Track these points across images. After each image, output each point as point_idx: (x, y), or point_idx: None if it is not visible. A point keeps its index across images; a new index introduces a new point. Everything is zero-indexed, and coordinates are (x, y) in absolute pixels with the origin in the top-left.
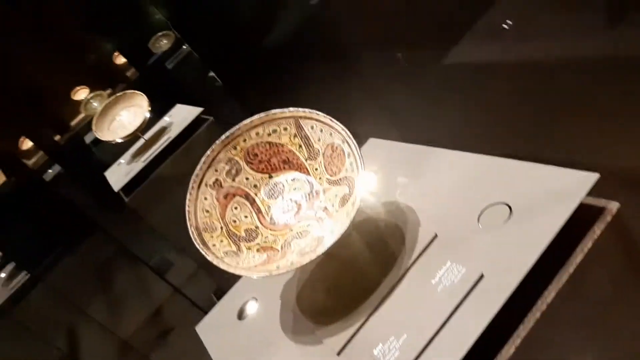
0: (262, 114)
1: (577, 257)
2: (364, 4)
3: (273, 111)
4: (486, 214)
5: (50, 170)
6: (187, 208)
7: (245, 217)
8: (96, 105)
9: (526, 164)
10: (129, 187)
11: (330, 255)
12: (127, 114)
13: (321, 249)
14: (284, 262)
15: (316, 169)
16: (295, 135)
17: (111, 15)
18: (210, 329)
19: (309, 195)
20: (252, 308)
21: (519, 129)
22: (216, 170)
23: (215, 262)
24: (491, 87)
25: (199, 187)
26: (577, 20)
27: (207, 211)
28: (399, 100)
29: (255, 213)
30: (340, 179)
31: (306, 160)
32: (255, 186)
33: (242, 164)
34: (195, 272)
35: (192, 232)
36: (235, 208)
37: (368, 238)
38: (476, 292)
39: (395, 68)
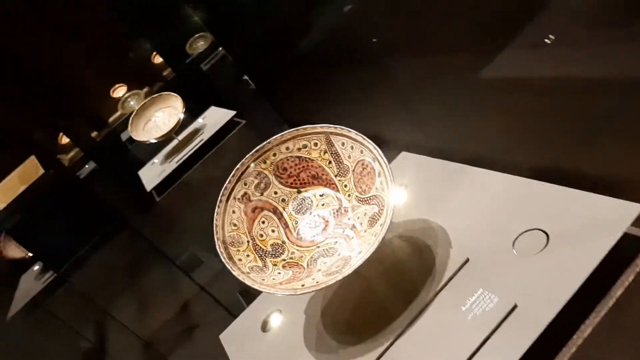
0: (292, 129)
1: (617, 290)
2: (400, 12)
3: (304, 126)
4: (521, 240)
5: (87, 166)
6: (215, 221)
7: (273, 231)
8: (133, 103)
9: (565, 190)
10: (161, 187)
11: (356, 272)
12: (162, 115)
13: (348, 270)
14: (309, 280)
15: (345, 186)
16: (325, 151)
17: (151, 16)
18: (234, 338)
19: (337, 212)
20: (276, 321)
21: (558, 150)
22: (245, 184)
23: (240, 277)
24: (529, 103)
25: (227, 200)
26: (626, 38)
27: (235, 225)
28: (433, 113)
29: (283, 228)
30: (369, 198)
31: (335, 176)
32: (283, 200)
33: (271, 177)
34: (222, 271)
35: (219, 246)
36: (263, 222)
37: (396, 257)
38: (509, 323)
39: (430, 79)
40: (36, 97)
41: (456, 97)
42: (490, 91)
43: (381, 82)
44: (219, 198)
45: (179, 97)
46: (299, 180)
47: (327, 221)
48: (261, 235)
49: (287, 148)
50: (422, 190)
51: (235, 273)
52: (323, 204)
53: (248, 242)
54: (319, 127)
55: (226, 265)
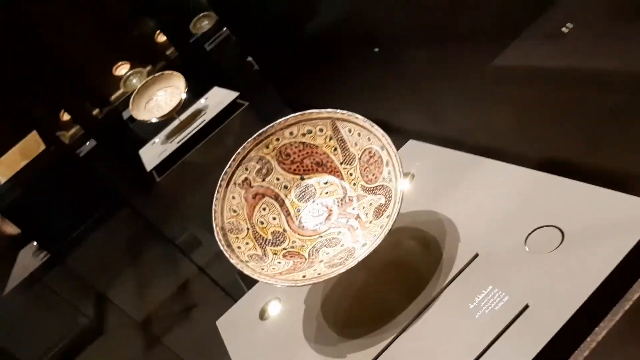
0: (297, 114)
1: (635, 293)
2: None
3: (309, 111)
4: (535, 237)
5: (87, 143)
6: (213, 207)
7: (274, 218)
8: (135, 82)
9: (582, 185)
10: (162, 167)
11: (359, 264)
12: (164, 95)
13: (351, 263)
14: (310, 272)
15: (351, 174)
16: (330, 138)
17: None
18: (231, 325)
19: (341, 200)
20: (274, 309)
21: (573, 143)
22: (246, 169)
23: (239, 266)
24: (543, 94)
25: (227, 185)
26: None
27: (235, 211)
28: (443, 101)
29: (284, 215)
30: (376, 188)
31: (341, 164)
32: (285, 187)
33: (274, 163)
34: (221, 253)
35: (218, 233)
36: (264, 209)
37: (401, 249)
38: (519, 324)
39: (441, 65)
40: (38, 72)
41: (467, 85)
42: (503, 80)
43: (390, 67)
44: (219, 183)
45: (181, 76)
46: (303, 166)
47: (331, 210)
48: (262, 223)
49: (291, 133)
50: (430, 181)
51: (234, 261)
52: (327, 192)
53: (248, 229)
54: (324, 112)
55: (224, 253)
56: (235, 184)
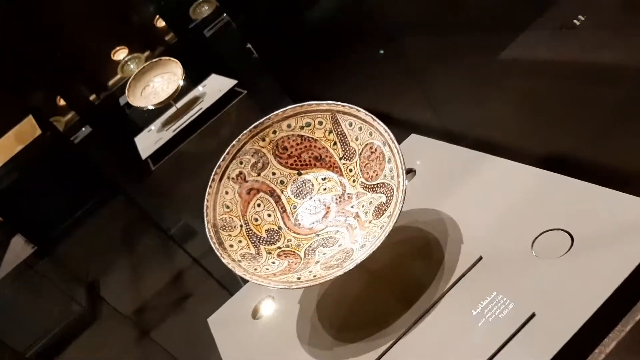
0: (295, 105)
1: None
2: None
3: (308, 102)
4: (542, 241)
5: (83, 129)
6: (205, 202)
7: (269, 215)
8: (133, 67)
9: (594, 187)
10: (157, 155)
11: (357, 266)
12: (161, 81)
13: (349, 265)
14: (305, 273)
15: (350, 170)
16: (330, 131)
17: None
18: (223, 323)
19: (339, 198)
20: (268, 308)
21: (585, 141)
22: (241, 163)
23: (230, 265)
24: (554, 88)
25: (220, 179)
26: None
27: (228, 207)
28: (447, 94)
29: (280, 212)
30: (377, 185)
31: (340, 159)
32: (282, 182)
33: (270, 157)
34: None
35: (209, 230)
36: (258, 205)
37: (401, 249)
38: (525, 333)
39: (446, 57)
40: (35, 55)
41: (473, 77)
42: (510, 73)
43: (393, 58)
44: (212, 177)
45: (178, 62)
46: (300, 161)
47: (329, 208)
48: (256, 220)
49: (289, 125)
50: (433, 178)
51: (225, 261)
52: (325, 189)
53: (241, 226)
54: (324, 104)
55: (215, 251)
56: (229, 178)
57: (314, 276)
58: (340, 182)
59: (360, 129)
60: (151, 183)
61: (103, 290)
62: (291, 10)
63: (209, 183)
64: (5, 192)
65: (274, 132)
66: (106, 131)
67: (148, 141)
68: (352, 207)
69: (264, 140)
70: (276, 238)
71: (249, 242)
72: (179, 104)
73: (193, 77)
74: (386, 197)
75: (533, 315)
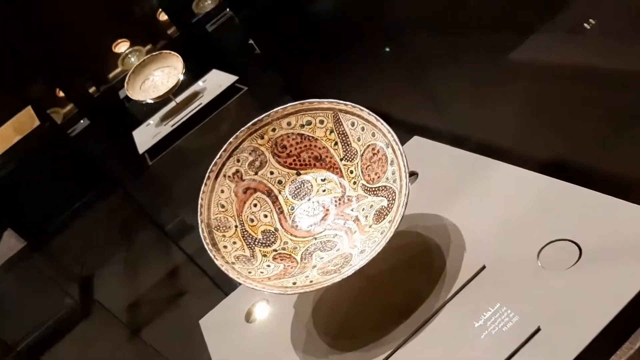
0: (296, 103)
1: None
2: None
3: (310, 100)
4: (548, 251)
5: (82, 122)
6: (200, 200)
7: (265, 216)
8: (134, 60)
9: (604, 197)
10: (155, 149)
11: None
12: (161, 75)
13: (347, 271)
14: (302, 278)
15: (351, 172)
16: (331, 131)
17: None
18: (215, 326)
19: (339, 200)
20: (262, 311)
21: (594, 148)
22: (238, 161)
23: (224, 267)
24: (562, 92)
25: (216, 177)
26: None
27: (223, 206)
28: (452, 95)
29: (277, 213)
30: (378, 188)
31: (341, 160)
32: (280, 182)
33: (268, 155)
34: None
35: (202, 230)
36: (255, 205)
37: (401, 255)
38: (529, 348)
39: (451, 57)
40: (36, 45)
41: (479, 79)
42: (518, 76)
43: (396, 57)
44: (207, 175)
45: (179, 56)
46: (299, 160)
47: (328, 210)
48: (252, 220)
49: (289, 123)
50: (435, 182)
51: (219, 262)
52: (324, 190)
53: (236, 227)
54: (326, 103)
55: (209, 252)
56: (225, 176)
57: (311, 281)
58: (340, 183)
59: (362, 129)
60: (148, 178)
61: (97, 284)
62: (294, 6)
63: (204, 181)
64: (1, 182)
65: (273, 129)
66: (104, 124)
67: (146, 135)
68: (351, 210)
69: (262, 138)
70: (272, 240)
71: (244, 243)
72: (179, 99)
73: (194, 72)
74: (388, 201)
75: (538, 329)
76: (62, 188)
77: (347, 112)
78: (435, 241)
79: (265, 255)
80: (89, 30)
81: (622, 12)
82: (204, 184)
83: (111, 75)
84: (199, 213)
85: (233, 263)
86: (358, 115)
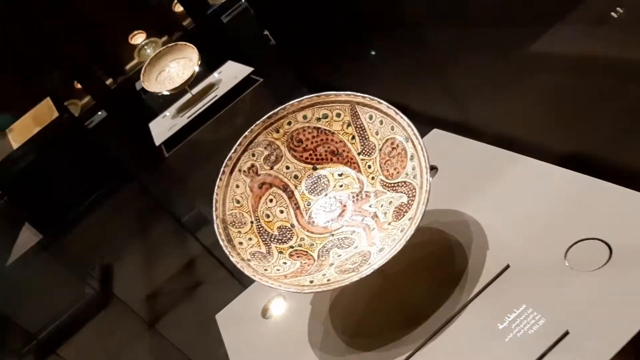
0: (312, 95)
1: None
2: None
3: (326, 93)
4: (577, 251)
5: (99, 113)
6: (215, 196)
7: (281, 212)
8: (149, 52)
9: (635, 194)
10: (171, 141)
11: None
12: (177, 66)
13: (365, 270)
14: (319, 276)
15: (369, 167)
16: (349, 124)
17: None
18: (231, 321)
19: (357, 196)
20: (278, 307)
21: (624, 144)
22: (253, 155)
23: (239, 264)
24: (589, 85)
25: (231, 172)
26: None
27: (238, 201)
28: (473, 87)
29: (293, 209)
30: (397, 184)
31: (359, 154)
32: (295, 177)
33: (284, 150)
34: None
35: (218, 225)
36: (270, 200)
37: (421, 253)
38: (557, 353)
39: (472, 48)
40: (55, 37)
41: (500, 71)
42: (539, 68)
43: (416, 49)
44: (222, 169)
45: (194, 48)
46: (316, 155)
47: (345, 206)
48: (267, 216)
49: (305, 117)
50: (456, 176)
51: (234, 259)
52: (341, 186)
53: (252, 222)
54: (343, 95)
55: (224, 249)
56: (240, 171)
57: (328, 280)
58: (357, 178)
59: (381, 122)
60: (164, 170)
61: (115, 276)
62: None
63: (219, 176)
64: (21, 173)
65: (289, 123)
66: (121, 116)
67: (162, 127)
68: (370, 206)
69: (278, 131)
70: (288, 236)
71: (260, 239)
72: (194, 90)
73: (209, 63)
74: (408, 197)
75: (566, 333)
76: (80, 180)
77: (364, 104)
78: (457, 238)
79: (281, 252)
80: (106, 22)
81: None
82: (218, 179)
83: (128, 67)
84: (213, 209)
85: (249, 260)
86: (376, 108)
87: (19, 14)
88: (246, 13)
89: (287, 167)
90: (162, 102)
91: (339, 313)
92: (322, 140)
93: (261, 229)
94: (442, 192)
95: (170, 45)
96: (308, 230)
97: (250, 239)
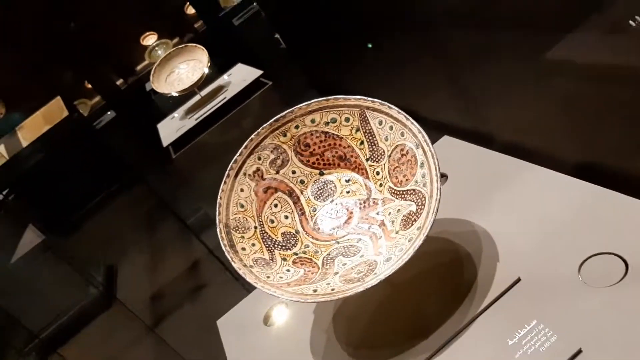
0: (321, 99)
1: None
2: None
3: (335, 97)
4: (591, 265)
5: (108, 113)
6: (219, 199)
7: (286, 217)
8: (160, 53)
9: None
10: (179, 143)
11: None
12: (186, 68)
13: (371, 281)
14: (322, 285)
15: (377, 173)
16: (357, 129)
17: None
18: (232, 327)
19: (364, 203)
20: (280, 315)
21: (635, 155)
22: (259, 158)
23: (241, 271)
24: (607, 95)
25: (236, 175)
26: None
27: (242, 206)
28: (486, 94)
29: (298, 214)
30: (406, 192)
31: (367, 160)
32: (302, 182)
33: (291, 154)
34: None
35: (221, 230)
36: (275, 205)
37: (429, 263)
38: None
39: (485, 54)
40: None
41: (514, 78)
42: (553, 76)
43: (427, 53)
44: (227, 172)
45: (204, 50)
46: (323, 160)
47: (351, 212)
48: (272, 221)
49: (313, 121)
50: (466, 185)
51: (236, 265)
52: (348, 192)
53: (255, 227)
54: (352, 99)
55: (226, 254)
56: (245, 174)
57: (332, 290)
58: (365, 185)
59: (390, 128)
60: (171, 171)
61: (118, 276)
62: (321, 0)
63: (224, 179)
64: (28, 172)
65: (297, 127)
66: (130, 116)
67: (170, 128)
68: (377, 213)
69: (285, 135)
70: (293, 243)
71: (263, 245)
72: (203, 92)
73: (219, 66)
74: (417, 205)
75: (579, 351)
76: (86, 179)
77: (374, 109)
78: (466, 249)
79: (285, 259)
80: (118, 23)
81: None
82: (223, 182)
83: (138, 67)
84: (217, 213)
85: (251, 266)
86: (386, 113)
87: (32, 14)
88: (257, 16)
89: (294, 172)
90: (171, 104)
91: (343, 322)
92: (329, 144)
93: (265, 234)
94: (452, 201)
95: (180, 46)
96: (313, 237)
97: (253, 244)
